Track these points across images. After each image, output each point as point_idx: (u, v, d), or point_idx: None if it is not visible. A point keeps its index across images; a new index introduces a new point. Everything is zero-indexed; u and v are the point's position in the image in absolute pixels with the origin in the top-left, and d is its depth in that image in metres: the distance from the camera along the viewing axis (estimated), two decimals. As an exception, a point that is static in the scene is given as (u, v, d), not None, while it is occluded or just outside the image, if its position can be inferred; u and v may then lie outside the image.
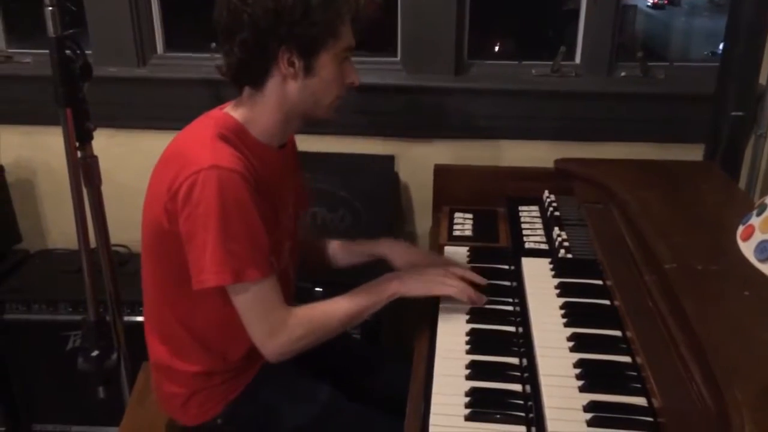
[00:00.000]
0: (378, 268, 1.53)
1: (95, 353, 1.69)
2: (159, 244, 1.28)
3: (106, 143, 1.38)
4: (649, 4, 2.98)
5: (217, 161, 1.17)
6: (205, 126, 1.28)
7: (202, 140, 1.24)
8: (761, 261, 1.03)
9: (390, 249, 1.57)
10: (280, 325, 1.26)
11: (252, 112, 1.29)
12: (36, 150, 2.34)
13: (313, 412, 1.36)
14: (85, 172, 1.62)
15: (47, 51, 1.52)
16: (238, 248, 1.18)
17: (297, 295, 1.76)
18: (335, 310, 1.33)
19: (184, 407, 1.39)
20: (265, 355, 1.28)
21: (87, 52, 1.58)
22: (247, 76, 1.27)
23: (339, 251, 1.62)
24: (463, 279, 1.39)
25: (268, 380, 1.41)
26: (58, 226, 2.43)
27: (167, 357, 1.37)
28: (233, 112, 1.30)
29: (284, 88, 1.26)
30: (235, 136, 1.26)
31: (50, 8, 1.49)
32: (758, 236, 1.05)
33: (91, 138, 1.62)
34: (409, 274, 1.38)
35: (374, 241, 1.61)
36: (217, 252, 1.17)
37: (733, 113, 1.81)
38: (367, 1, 1.26)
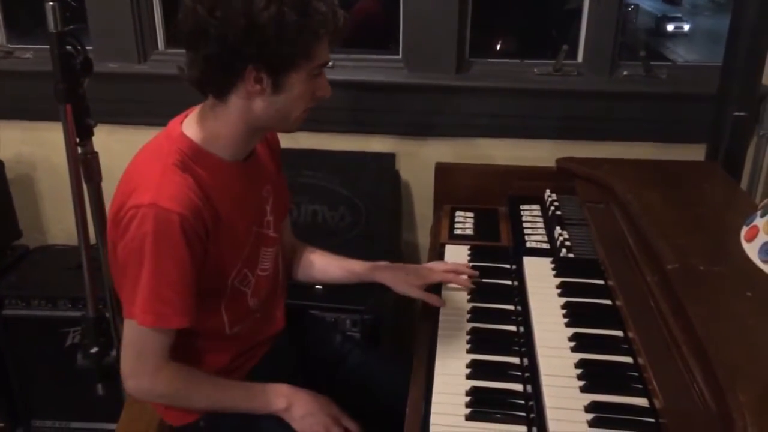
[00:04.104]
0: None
1: (94, 350, 1.68)
2: (113, 260, 1.27)
3: (106, 139, 1.37)
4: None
5: (158, 199, 1.13)
6: (159, 150, 1.22)
7: (153, 169, 1.19)
8: (766, 262, 1.03)
9: (388, 275, 1.50)
10: (146, 374, 1.24)
11: (213, 126, 1.23)
12: (36, 146, 2.34)
13: None
14: (85, 168, 1.61)
15: (48, 46, 1.52)
16: (165, 292, 1.17)
17: (296, 292, 1.75)
18: (208, 393, 1.30)
19: (168, 407, 1.38)
20: (124, 386, 1.28)
21: (87, 47, 1.58)
22: (209, 87, 1.20)
23: (319, 261, 1.57)
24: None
25: None
26: (57, 222, 2.43)
27: None
28: (190, 129, 1.24)
29: (249, 104, 1.19)
30: (191, 160, 1.21)
31: (51, 4, 1.49)
32: (763, 237, 1.05)
33: (92, 134, 1.61)
34: (301, 405, 1.31)
35: (367, 263, 1.54)
36: (146, 292, 1.16)
37: (736, 113, 1.80)
38: (345, 20, 1.17)
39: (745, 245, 1.14)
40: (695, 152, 1.98)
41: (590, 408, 1.09)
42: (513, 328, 1.36)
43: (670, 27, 4.59)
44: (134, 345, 1.23)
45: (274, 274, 1.44)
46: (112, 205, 1.23)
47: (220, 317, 1.33)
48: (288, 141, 2.21)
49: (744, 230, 1.14)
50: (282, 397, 1.32)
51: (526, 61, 2.23)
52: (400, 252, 2.33)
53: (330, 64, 1.28)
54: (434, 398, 1.16)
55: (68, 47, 1.52)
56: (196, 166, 1.21)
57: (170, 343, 1.24)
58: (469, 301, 1.45)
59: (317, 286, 2.04)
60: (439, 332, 1.34)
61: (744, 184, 2.00)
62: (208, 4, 1.10)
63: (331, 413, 1.33)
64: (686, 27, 4.61)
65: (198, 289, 1.22)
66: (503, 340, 1.32)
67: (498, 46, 2.60)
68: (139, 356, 1.24)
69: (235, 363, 1.39)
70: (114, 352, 1.71)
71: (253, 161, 1.35)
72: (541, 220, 1.74)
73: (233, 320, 1.35)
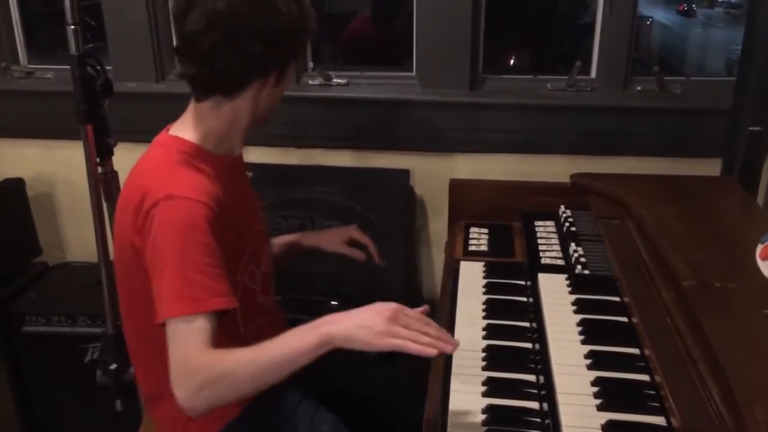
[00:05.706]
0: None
1: (113, 366, 1.70)
2: (130, 281, 1.28)
3: (125, 158, 1.39)
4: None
5: (173, 190, 1.16)
6: (157, 156, 1.27)
7: (159, 171, 1.23)
8: (781, 281, 1.02)
9: (313, 238, 1.65)
10: (184, 370, 1.09)
11: (214, 125, 1.27)
12: (56, 164, 2.37)
13: None
14: (105, 187, 1.64)
15: (68, 66, 1.55)
16: (195, 277, 1.12)
17: (310, 309, 1.76)
18: (249, 359, 1.10)
19: (186, 428, 1.37)
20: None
21: (107, 67, 1.61)
22: (222, 86, 1.24)
23: (276, 247, 1.64)
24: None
25: (270, 404, 1.37)
26: (77, 239, 2.46)
27: (155, 385, 1.36)
28: (182, 133, 1.28)
29: (258, 97, 1.27)
30: (192, 158, 1.25)
31: (72, 27, 1.52)
32: (778, 256, 1.05)
33: (112, 153, 1.64)
34: (353, 319, 1.12)
35: (297, 233, 1.68)
36: (176, 283, 1.12)
37: (751, 128, 1.80)
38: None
39: (761, 263, 1.14)
40: (711, 167, 1.98)
41: (607, 427, 1.09)
42: (529, 345, 1.36)
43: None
44: (181, 341, 1.10)
45: (269, 270, 1.46)
46: (122, 224, 1.24)
47: (234, 315, 1.29)
48: (303, 158, 2.25)
49: (759, 248, 1.13)
50: (326, 323, 1.12)
51: (539, 76, 2.24)
52: (415, 268, 2.34)
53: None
54: (450, 416, 1.16)
55: (89, 69, 1.55)
56: (198, 163, 1.26)
57: (211, 332, 1.10)
58: (485, 318, 1.45)
59: (332, 302, 2.05)
60: (455, 349, 1.35)
61: (760, 199, 1.99)
62: (248, 4, 1.18)
63: (392, 314, 1.10)
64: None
65: None
66: (519, 358, 1.32)
67: (511, 62, 2.62)
68: (184, 350, 1.09)
69: None
70: (132, 369, 1.73)
71: (240, 158, 1.42)
72: (555, 236, 1.74)
73: (246, 319, 1.35)
